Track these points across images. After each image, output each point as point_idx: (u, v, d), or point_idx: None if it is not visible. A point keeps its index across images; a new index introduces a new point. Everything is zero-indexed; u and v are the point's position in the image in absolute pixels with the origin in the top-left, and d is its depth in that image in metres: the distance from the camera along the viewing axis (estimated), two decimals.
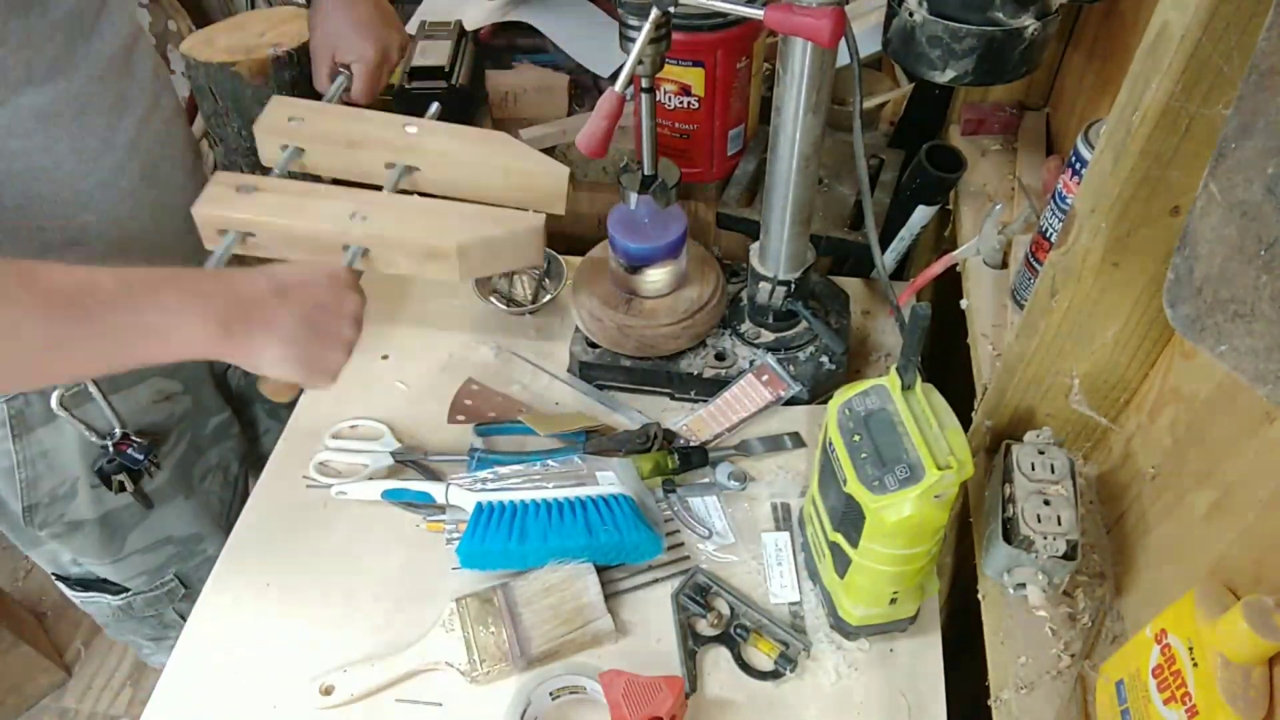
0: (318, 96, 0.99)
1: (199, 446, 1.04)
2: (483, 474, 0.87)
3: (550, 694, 0.75)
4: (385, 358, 1.03)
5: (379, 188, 0.89)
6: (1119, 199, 0.56)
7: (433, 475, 0.91)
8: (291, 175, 0.88)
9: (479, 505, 0.83)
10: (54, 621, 1.91)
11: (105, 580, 1.08)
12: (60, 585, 1.11)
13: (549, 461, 0.88)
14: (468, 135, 0.93)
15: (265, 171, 0.90)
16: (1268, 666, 0.47)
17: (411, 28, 1.41)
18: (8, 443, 0.88)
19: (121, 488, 0.95)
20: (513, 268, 0.87)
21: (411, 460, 0.92)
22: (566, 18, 1.30)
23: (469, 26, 1.27)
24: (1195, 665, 0.49)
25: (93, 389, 0.89)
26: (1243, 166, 0.39)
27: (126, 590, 1.09)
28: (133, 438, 0.93)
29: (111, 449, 0.92)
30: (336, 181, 0.91)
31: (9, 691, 1.74)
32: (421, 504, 0.87)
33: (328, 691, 0.75)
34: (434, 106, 0.99)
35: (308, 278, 0.71)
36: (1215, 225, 0.41)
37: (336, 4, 0.98)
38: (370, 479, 0.90)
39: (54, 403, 0.87)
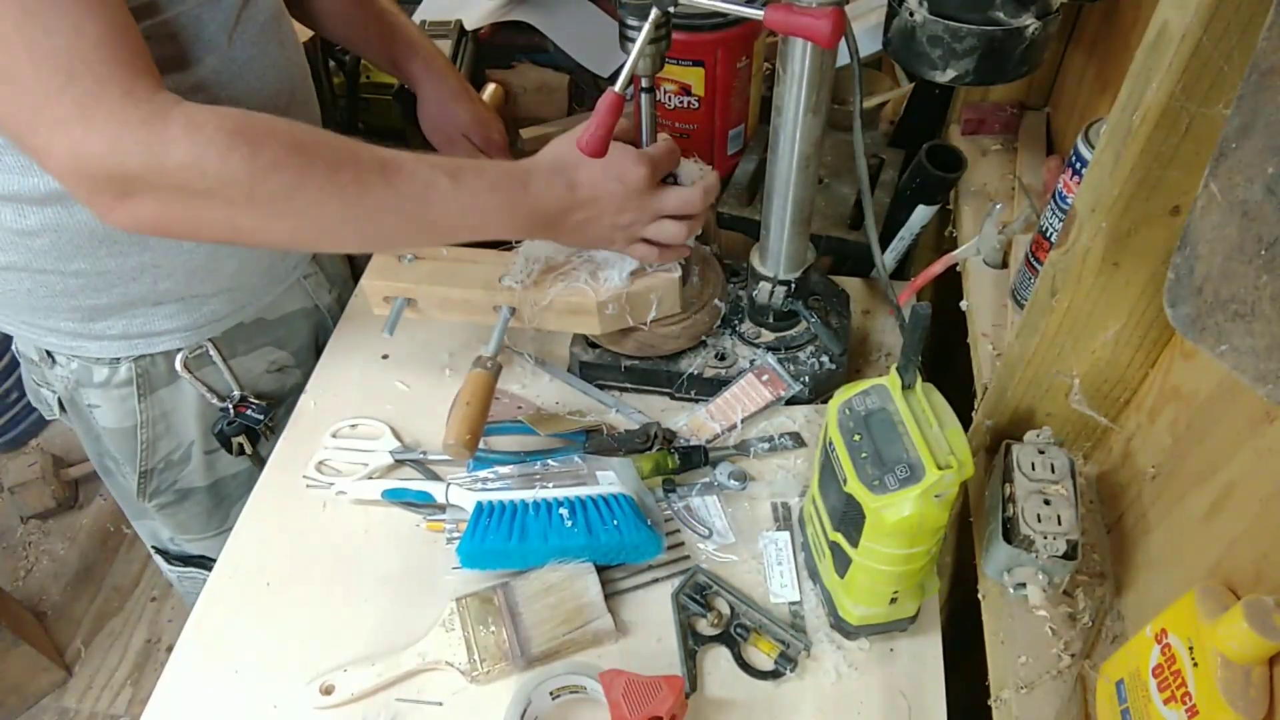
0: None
1: None
2: (483, 473, 0.87)
3: (550, 693, 0.75)
4: (385, 357, 1.03)
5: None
6: (1119, 199, 0.56)
7: (433, 475, 0.91)
8: None
9: (479, 505, 0.83)
10: (54, 621, 1.91)
11: (204, 557, 1.11)
12: (157, 559, 1.15)
13: (549, 461, 0.88)
14: None
15: None
16: (1268, 666, 0.47)
17: None
18: (133, 400, 0.91)
19: (241, 450, 0.99)
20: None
21: (411, 460, 0.92)
22: (566, 18, 1.30)
23: (469, 26, 1.27)
24: (1195, 665, 0.49)
25: (213, 353, 0.93)
26: (1243, 166, 0.39)
27: None
28: (251, 399, 0.97)
29: (232, 410, 0.96)
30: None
31: (9, 691, 1.74)
32: (421, 503, 0.88)
33: (328, 691, 0.75)
34: None
35: (604, 193, 0.75)
36: (1215, 225, 0.41)
37: (442, 93, 1.05)
38: (370, 478, 0.90)
39: (178, 364, 0.90)
